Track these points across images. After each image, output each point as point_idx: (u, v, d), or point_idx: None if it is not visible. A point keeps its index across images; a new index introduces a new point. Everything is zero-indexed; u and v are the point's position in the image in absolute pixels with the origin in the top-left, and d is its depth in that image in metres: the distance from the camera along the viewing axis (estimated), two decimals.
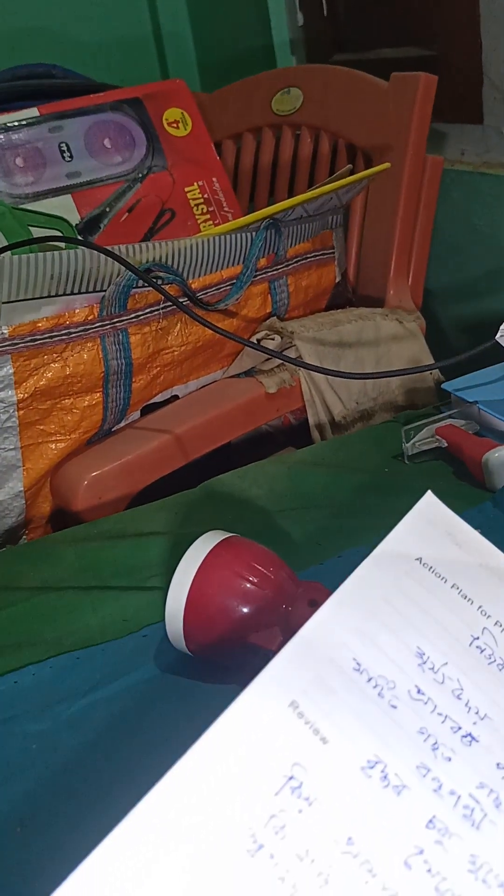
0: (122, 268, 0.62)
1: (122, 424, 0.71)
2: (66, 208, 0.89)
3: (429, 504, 0.31)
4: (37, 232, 0.83)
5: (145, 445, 0.68)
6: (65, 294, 0.61)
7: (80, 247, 0.61)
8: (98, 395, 0.66)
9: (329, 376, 0.74)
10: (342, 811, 0.23)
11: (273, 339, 0.74)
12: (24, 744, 0.39)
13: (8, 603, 0.49)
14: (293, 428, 0.82)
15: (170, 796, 0.23)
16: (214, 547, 0.40)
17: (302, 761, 0.24)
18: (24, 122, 0.89)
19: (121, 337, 0.65)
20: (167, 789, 0.23)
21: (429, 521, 0.30)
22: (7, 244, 0.77)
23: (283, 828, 0.23)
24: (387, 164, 0.79)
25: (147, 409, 0.73)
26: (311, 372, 0.75)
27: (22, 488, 0.65)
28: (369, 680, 0.26)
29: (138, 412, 0.72)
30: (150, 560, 0.51)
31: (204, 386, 0.76)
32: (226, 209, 0.96)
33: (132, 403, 0.69)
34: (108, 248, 0.61)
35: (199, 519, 0.55)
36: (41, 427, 0.65)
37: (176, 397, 0.75)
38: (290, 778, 0.24)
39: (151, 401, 0.72)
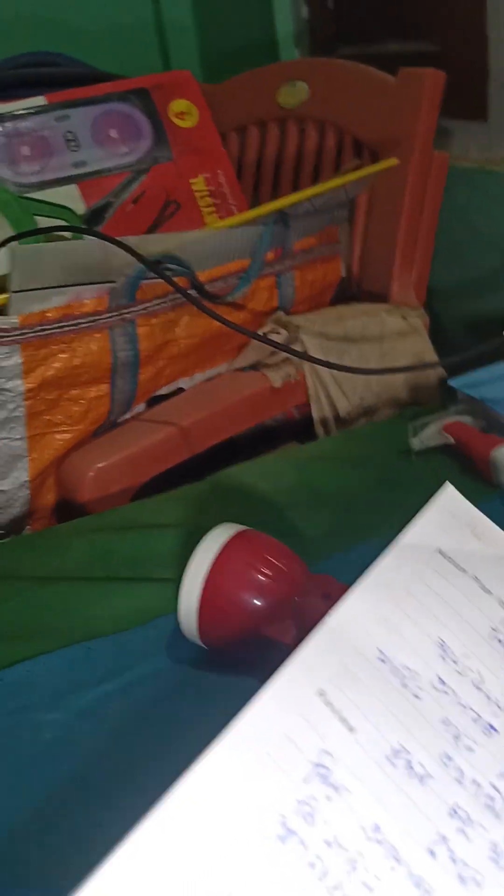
0: (132, 259, 0.62)
1: (128, 416, 0.71)
2: (71, 198, 0.89)
3: (449, 496, 0.31)
4: (42, 221, 0.83)
5: (151, 438, 0.68)
6: (75, 284, 0.61)
7: (88, 237, 0.61)
8: (105, 386, 0.66)
9: (333, 371, 0.74)
10: (369, 799, 0.24)
11: (279, 334, 0.74)
12: (38, 734, 0.39)
13: (16, 592, 0.49)
14: (296, 422, 0.82)
15: (201, 784, 0.23)
16: (229, 539, 0.40)
17: (330, 749, 0.24)
18: (30, 111, 0.89)
19: (129, 328, 0.65)
20: (198, 778, 0.23)
21: (450, 513, 0.31)
22: (14, 233, 0.77)
23: (312, 815, 0.23)
24: (394, 160, 0.79)
25: (152, 401, 0.73)
26: (317, 367, 0.75)
27: (27, 478, 0.65)
28: (393, 670, 0.26)
29: (144, 404, 0.72)
30: (159, 552, 0.51)
31: (209, 379, 0.76)
32: (231, 202, 0.96)
33: (138, 395, 0.69)
34: (119, 238, 0.61)
35: (206, 512, 0.55)
36: (48, 417, 0.64)
37: (181, 389, 0.75)
38: (318, 765, 0.24)
39: (157, 393, 0.73)
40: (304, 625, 0.39)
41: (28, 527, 0.69)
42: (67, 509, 0.69)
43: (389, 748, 0.25)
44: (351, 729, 0.25)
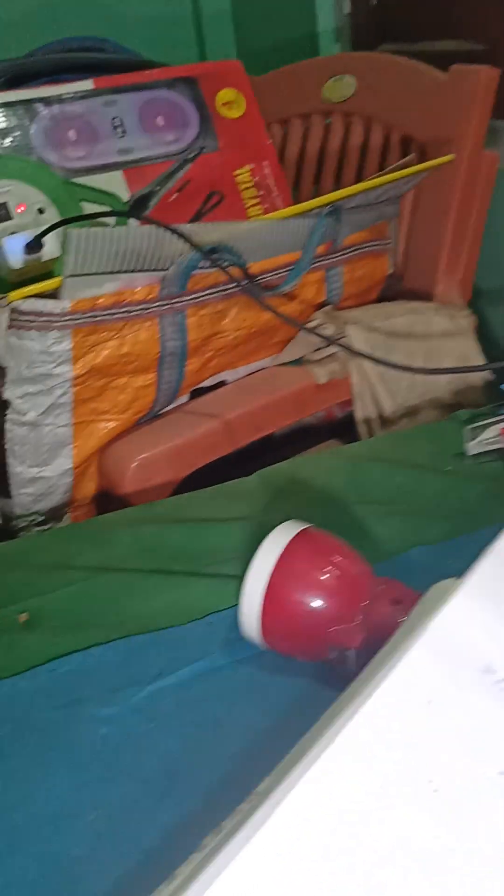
0: (185, 248, 0.61)
1: (171, 407, 0.70)
2: (116, 184, 0.88)
3: None
4: (88, 207, 0.82)
5: (195, 430, 0.67)
6: (127, 271, 0.60)
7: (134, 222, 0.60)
8: (152, 375, 0.65)
9: (379, 368, 0.73)
10: (476, 817, 0.23)
11: (326, 329, 0.73)
12: (93, 728, 0.38)
13: (66, 582, 0.48)
14: (337, 421, 0.81)
15: (312, 790, 0.22)
16: (293, 538, 0.39)
17: (437, 765, 0.23)
18: (78, 95, 0.88)
19: (178, 318, 0.64)
20: (308, 784, 0.23)
21: None
22: (60, 217, 0.76)
23: (426, 812, 0.22)
24: (451, 156, 0.77)
25: (195, 393, 0.72)
26: (362, 365, 0.73)
27: (70, 466, 0.64)
28: (497, 682, 0.25)
29: (187, 395, 0.71)
30: (210, 547, 0.50)
31: (253, 372, 0.75)
32: (275, 194, 0.95)
33: (183, 386, 0.68)
34: (175, 226, 0.60)
35: (254, 508, 0.54)
36: (94, 405, 0.64)
37: (223, 382, 0.74)
38: (430, 781, 0.23)
39: (201, 385, 0.71)
40: (373, 630, 0.38)
41: (67, 515, 0.68)
42: (108, 500, 0.68)
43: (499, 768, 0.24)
44: (460, 739, 0.24)
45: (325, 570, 0.38)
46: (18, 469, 0.63)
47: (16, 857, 0.32)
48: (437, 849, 0.22)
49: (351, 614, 0.38)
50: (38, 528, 0.68)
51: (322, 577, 0.38)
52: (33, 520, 0.67)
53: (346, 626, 0.37)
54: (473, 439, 0.56)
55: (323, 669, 0.39)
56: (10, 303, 0.58)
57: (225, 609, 0.45)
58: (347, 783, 0.23)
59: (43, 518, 0.67)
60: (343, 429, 0.80)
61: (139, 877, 0.30)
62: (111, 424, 0.65)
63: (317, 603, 0.38)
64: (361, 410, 0.75)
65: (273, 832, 0.23)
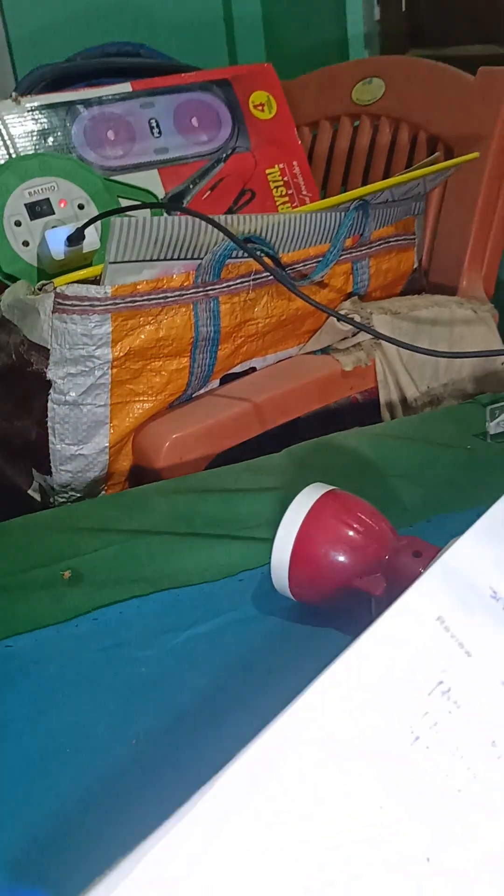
0: (220, 237, 0.64)
1: (203, 391, 0.74)
2: (152, 182, 0.92)
3: None
4: (125, 203, 0.86)
5: (226, 412, 0.71)
6: (165, 259, 0.64)
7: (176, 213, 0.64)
8: (186, 359, 0.68)
9: (403, 357, 0.76)
10: (486, 717, 0.25)
11: (353, 317, 0.76)
12: (134, 667, 0.41)
13: (106, 543, 0.51)
14: (361, 407, 0.84)
15: (334, 691, 0.25)
16: (321, 496, 0.42)
17: (449, 669, 0.26)
18: (116, 97, 0.92)
19: (212, 305, 0.67)
20: (329, 686, 0.25)
21: None
22: (98, 212, 0.80)
23: (436, 724, 0.25)
24: (475, 154, 0.80)
25: (225, 379, 0.75)
26: (387, 353, 0.76)
27: (107, 444, 0.68)
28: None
29: (217, 381, 0.75)
30: (240, 513, 0.53)
31: (281, 360, 0.78)
32: (304, 193, 0.98)
33: (215, 371, 0.72)
34: (211, 216, 0.63)
35: (284, 480, 0.57)
36: (130, 386, 0.67)
37: (253, 369, 0.77)
38: (440, 682, 0.25)
39: (231, 370, 0.75)
40: (396, 580, 0.41)
41: (103, 492, 0.72)
42: (141, 477, 0.71)
43: (503, 675, 0.26)
44: (468, 654, 0.26)
45: (349, 524, 0.41)
46: (59, 446, 0.67)
47: (67, 775, 0.35)
48: (449, 747, 0.25)
49: (373, 565, 0.40)
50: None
51: (346, 531, 0.41)
52: (70, 496, 0.71)
53: (370, 576, 0.40)
54: (494, 420, 0.59)
55: (348, 618, 0.42)
56: (56, 288, 0.62)
57: (255, 568, 0.47)
58: (361, 689, 0.25)
59: (79, 494, 0.71)
60: (367, 417, 0.82)
61: (175, 788, 0.33)
62: (146, 405, 0.68)
63: (341, 555, 0.40)
64: (385, 396, 0.78)
65: (265, 752, 0.25)
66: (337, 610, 0.42)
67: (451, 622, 0.27)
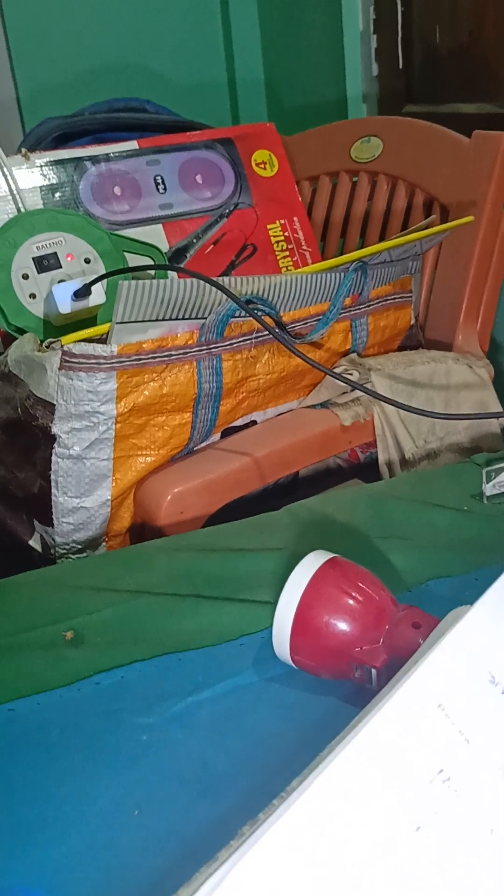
0: (224, 297, 0.66)
1: (204, 445, 0.75)
2: (156, 236, 0.94)
3: None
4: (130, 257, 0.88)
5: (227, 466, 0.72)
6: (170, 319, 0.65)
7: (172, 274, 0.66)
8: (188, 414, 0.70)
9: (401, 413, 0.77)
10: (484, 805, 0.26)
11: (351, 374, 0.77)
12: (135, 734, 0.41)
13: (108, 603, 0.52)
14: (360, 463, 0.85)
15: (335, 782, 0.26)
16: (322, 565, 0.43)
17: (450, 757, 0.27)
18: (123, 154, 0.95)
19: (215, 362, 0.69)
20: (332, 775, 0.26)
21: None
22: (106, 268, 0.82)
23: (437, 814, 0.25)
24: (470, 218, 0.83)
25: (226, 432, 0.77)
26: (385, 409, 0.78)
27: (109, 497, 0.69)
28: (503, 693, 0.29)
29: (219, 434, 0.76)
30: (241, 574, 0.54)
31: (281, 413, 0.79)
32: (304, 247, 1.01)
33: (217, 425, 0.73)
34: (215, 279, 0.65)
35: (284, 539, 0.58)
36: (133, 441, 0.68)
37: (254, 422, 0.78)
38: (441, 771, 0.26)
39: (232, 424, 0.76)
40: (395, 651, 0.41)
41: (103, 545, 0.73)
42: (142, 531, 0.72)
43: (502, 762, 0.27)
44: (468, 741, 0.27)
45: (351, 594, 0.42)
46: (61, 499, 0.68)
47: (67, 845, 0.36)
48: (450, 835, 0.25)
49: (374, 636, 0.41)
50: (76, 556, 0.72)
51: (348, 602, 0.42)
52: (71, 548, 0.71)
53: (370, 647, 0.41)
54: (490, 481, 0.60)
55: (348, 688, 0.42)
56: (63, 346, 0.63)
57: (256, 632, 0.48)
58: (365, 778, 0.26)
59: (80, 546, 0.71)
60: (365, 470, 0.84)
61: (180, 864, 0.34)
62: (149, 459, 0.69)
63: (343, 625, 0.41)
64: (384, 452, 0.79)
65: (297, 821, 0.26)
66: (338, 680, 0.43)
67: (450, 709, 0.28)
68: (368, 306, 0.80)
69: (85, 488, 0.68)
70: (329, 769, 0.26)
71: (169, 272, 0.78)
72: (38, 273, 0.82)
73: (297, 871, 0.24)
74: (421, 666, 0.29)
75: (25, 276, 0.81)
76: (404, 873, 0.24)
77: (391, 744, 0.27)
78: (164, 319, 0.65)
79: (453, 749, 0.27)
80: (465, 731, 0.27)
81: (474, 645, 0.30)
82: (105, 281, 0.77)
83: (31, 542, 0.73)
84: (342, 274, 0.75)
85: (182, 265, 0.93)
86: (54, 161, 0.92)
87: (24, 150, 0.93)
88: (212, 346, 0.68)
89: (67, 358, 0.63)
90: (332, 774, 0.26)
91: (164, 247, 0.94)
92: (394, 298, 0.83)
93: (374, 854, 0.24)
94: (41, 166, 0.91)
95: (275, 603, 0.42)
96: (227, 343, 0.69)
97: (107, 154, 0.94)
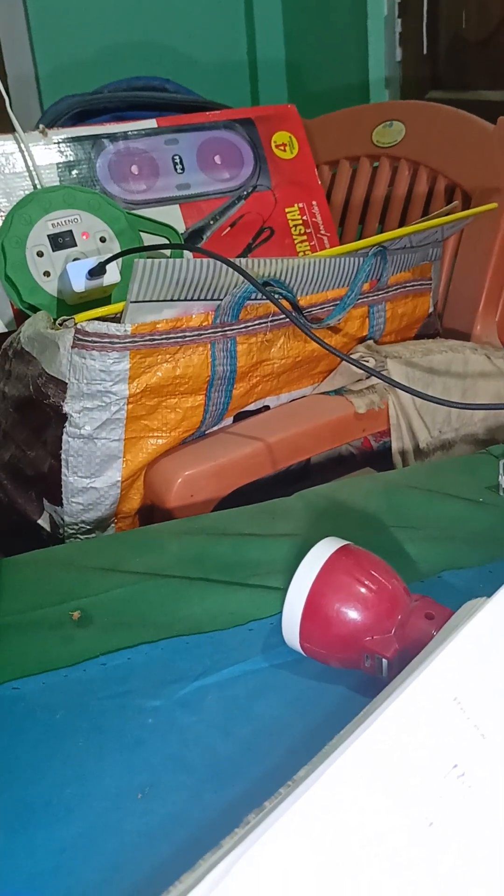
0: (241, 279, 0.65)
1: (216, 428, 0.74)
2: (173, 217, 0.93)
3: None
4: (146, 237, 0.87)
5: (238, 450, 0.71)
6: (185, 299, 0.64)
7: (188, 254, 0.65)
8: (201, 397, 0.69)
9: (416, 402, 0.76)
10: (498, 801, 0.25)
11: (368, 361, 0.76)
12: (141, 718, 0.41)
13: (117, 584, 0.51)
14: (373, 451, 0.84)
15: (345, 773, 0.25)
16: (335, 552, 0.42)
17: (464, 752, 0.26)
18: (142, 132, 0.94)
19: (229, 345, 0.68)
20: (342, 767, 0.25)
21: None
22: (122, 247, 0.81)
23: (450, 809, 0.24)
24: (494, 205, 0.81)
25: (239, 416, 0.76)
26: (400, 397, 0.77)
27: (119, 478, 0.68)
28: None
29: (231, 418, 0.75)
30: (251, 559, 0.54)
31: (294, 399, 0.78)
32: (322, 232, 1.00)
33: (230, 409, 0.72)
34: (231, 259, 0.64)
35: (295, 526, 0.57)
36: (145, 422, 0.68)
37: (267, 407, 0.77)
38: (455, 766, 0.25)
39: (245, 408, 0.75)
40: (407, 642, 0.41)
41: (112, 526, 0.72)
42: (151, 514, 0.72)
43: None
44: (483, 736, 0.26)
45: (363, 582, 0.41)
46: (71, 479, 0.67)
47: (71, 827, 0.35)
48: (463, 832, 0.24)
49: (385, 625, 0.40)
50: (85, 537, 0.71)
51: (360, 590, 0.41)
52: (80, 528, 0.71)
53: (382, 636, 0.40)
54: None
55: (357, 677, 0.42)
56: (77, 324, 0.62)
57: (265, 618, 0.47)
58: (377, 771, 0.26)
59: (89, 527, 0.71)
60: (378, 459, 0.83)
61: (183, 850, 0.33)
62: (160, 441, 0.69)
63: (353, 612, 0.40)
64: (398, 441, 0.78)
65: (305, 811, 0.25)
66: (348, 669, 0.42)
67: (466, 703, 0.27)
68: (387, 292, 0.79)
69: (95, 468, 0.67)
70: (340, 760, 0.25)
71: (185, 252, 0.77)
72: (53, 251, 0.81)
73: (304, 863, 0.24)
74: (437, 658, 0.28)
75: (40, 254, 0.80)
76: (415, 869, 0.23)
77: (405, 736, 0.26)
78: (179, 300, 0.64)
79: (468, 744, 0.26)
80: (480, 725, 0.26)
81: (491, 638, 0.29)
82: (120, 260, 0.76)
83: (39, 522, 0.72)
84: (361, 259, 0.73)
85: (199, 246, 0.92)
86: (72, 138, 0.91)
87: (41, 126, 0.92)
88: (227, 329, 0.67)
89: (81, 336, 0.62)
90: (342, 765, 0.25)
91: (181, 228, 0.93)
92: (413, 285, 0.82)
93: (385, 849, 0.23)
94: (59, 143, 0.90)
95: (285, 589, 0.42)
96: (243, 325, 0.68)
97: (125, 132, 0.93)
